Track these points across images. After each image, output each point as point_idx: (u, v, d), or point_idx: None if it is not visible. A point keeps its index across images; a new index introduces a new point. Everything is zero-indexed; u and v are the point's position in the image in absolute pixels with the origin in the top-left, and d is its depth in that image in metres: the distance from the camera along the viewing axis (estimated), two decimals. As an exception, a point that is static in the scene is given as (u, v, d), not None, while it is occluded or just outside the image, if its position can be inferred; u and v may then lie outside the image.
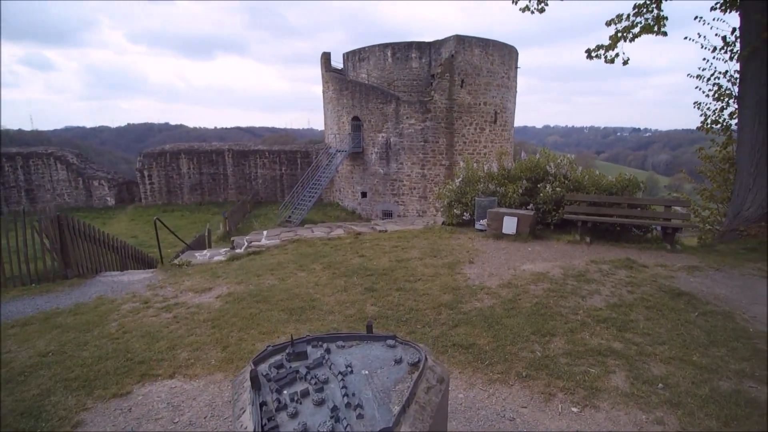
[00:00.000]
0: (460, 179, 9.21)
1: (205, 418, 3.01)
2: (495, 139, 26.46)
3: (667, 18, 9.06)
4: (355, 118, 25.86)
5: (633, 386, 3.21)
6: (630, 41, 9.45)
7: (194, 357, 3.83)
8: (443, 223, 9.27)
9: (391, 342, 2.17)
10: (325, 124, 29.57)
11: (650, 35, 9.27)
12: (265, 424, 1.52)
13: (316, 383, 1.77)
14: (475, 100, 25.03)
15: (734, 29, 8.05)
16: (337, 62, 27.95)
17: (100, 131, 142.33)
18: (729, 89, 8.46)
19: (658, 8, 9.03)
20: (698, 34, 8.34)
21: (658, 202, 7.56)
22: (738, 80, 7.79)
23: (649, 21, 9.14)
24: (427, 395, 1.84)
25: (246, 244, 8.54)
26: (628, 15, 9.28)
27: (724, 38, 8.34)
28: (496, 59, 25.33)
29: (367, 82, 25.85)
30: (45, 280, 6.70)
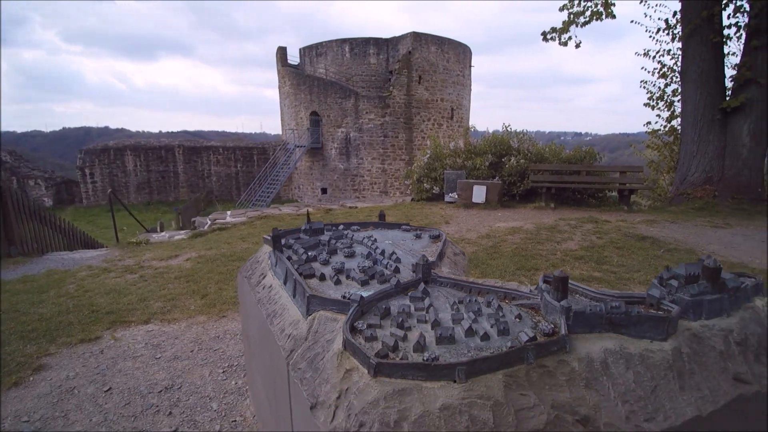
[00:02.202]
0: (428, 156, 9.29)
1: (191, 351, 2.78)
2: (452, 134, 26.99)
3: (614, 4, 9.68)
4: (314, 113, 25.52)
5: (619, 302, 3.33)
6: (581, 26, 10.00)
7: (171, 305, 3.55)
8: (412, 199, 9.31)
9: (406, 227, 2.12)
10: (282, 119, 28.93)
11: (600, 23, 9.88)
12: (298, 268, 1.41)
13: (342, 245, 1.67)
14: (433, 96, 25.48)
15: (675, 12, 8.74)
16: (294, 58, 27.50)
17: (33, 136, 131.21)
18: (672, 67, 9.16)
19: (606, -6, 9.63)
20: (644, 14, 8.97)
21: (614, 169, 8.02)
22: (680, 57, 8.44)
23: (599, 6, 9.72)
24: (456, 257, 1.79)
25: (209, 222, 8.13)
26: (580, 0, 9.82)
27: (666, 21, 9.03)
28: (451, 57, 25.95)
29: (325, 77, 25.60)
30: (-17, 260, 6.00)
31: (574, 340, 0.95)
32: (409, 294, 1.14)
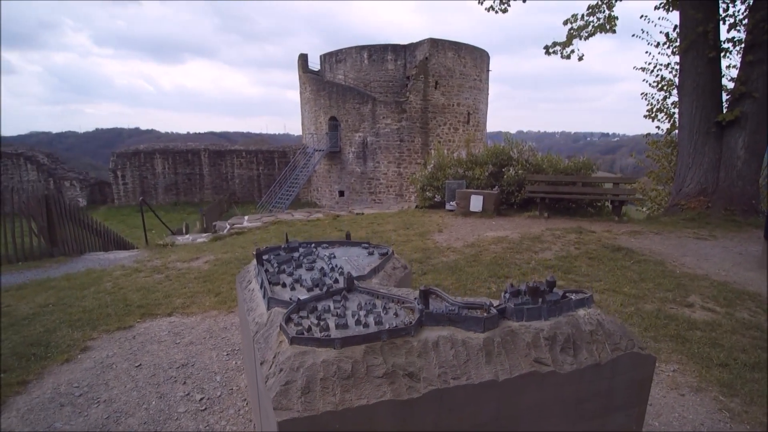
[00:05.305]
0: (432, 165, 9.81)
1: (204, 338, 3.44)
2: (468, 138, 27.35)
3: (617, 18, 9.98)
4: (333, 118, 26.31)
5: (571, 308, 3.81)
6: (585, 39, 10.32)
7: (189, 301, 4.23)
8: (416, 206, 9.85)
9: (365, 245, 2.69)
10: (303, 124, 29.87)
11: (604, 35, 10.18)
12: (270, 278, 2.01)
13: (307, 261, 2.27)
14: (449, 101, 25.89)
15: (675, 26, 8.99)
16: (314, 64, 28.40)
17: (67, 137, 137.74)
18: (671, 80, 9.39)
19: (609, 9, 9.94)
20: (641, 29, 9.25)
21: (607, 180, 8.36)
22: (678, 71, 8.70)
23: (602, 21, 10.03)
24: (394, 271, 2.36)
25: (228, 226, 8.89)
26: (583, 15, 10.15)
27: (666, 35, 9.28)
28: (468, 62, 26.29)
29: (343, 83, 26.37)
30: (31, 259, 6.87)
31: (425, 329, 1.51)
32: (333, 298, 1.72)
